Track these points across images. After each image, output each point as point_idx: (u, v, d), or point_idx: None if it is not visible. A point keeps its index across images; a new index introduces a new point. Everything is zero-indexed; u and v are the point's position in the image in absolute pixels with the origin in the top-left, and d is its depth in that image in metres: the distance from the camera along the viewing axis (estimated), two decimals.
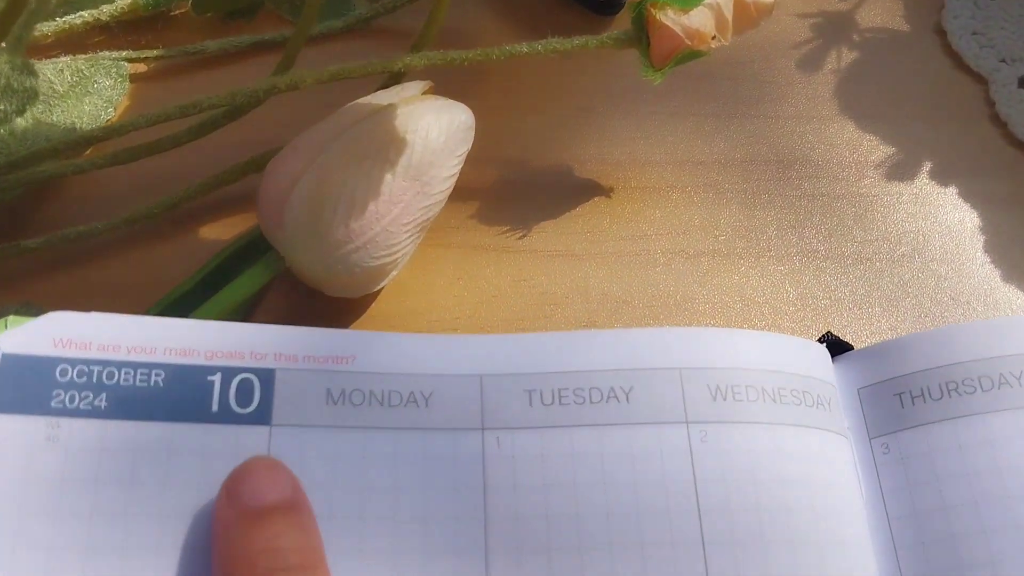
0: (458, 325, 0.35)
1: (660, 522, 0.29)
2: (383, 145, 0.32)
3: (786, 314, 0.37)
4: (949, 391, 0.32)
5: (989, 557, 0.29)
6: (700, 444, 0.30)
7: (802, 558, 0.29)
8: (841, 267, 0.38)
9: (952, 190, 0.41)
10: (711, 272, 0.38)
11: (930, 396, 0.32)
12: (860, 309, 0.37)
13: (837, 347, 0.34)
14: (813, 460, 0.30)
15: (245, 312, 0.34)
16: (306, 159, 0.32)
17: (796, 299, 0.37)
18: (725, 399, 0.30)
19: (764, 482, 0.29)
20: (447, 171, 0.34)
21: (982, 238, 0.40)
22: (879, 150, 0.42)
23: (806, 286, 0.38)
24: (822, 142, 0.42)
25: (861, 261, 0.39)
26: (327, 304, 0.34)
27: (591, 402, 0.30)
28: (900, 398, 0.32)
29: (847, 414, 0.32)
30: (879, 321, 0.37)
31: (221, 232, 0.36)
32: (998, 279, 0.38)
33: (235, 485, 0.26)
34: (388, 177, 0.32)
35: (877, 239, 0.39)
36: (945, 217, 0.41)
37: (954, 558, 0.30)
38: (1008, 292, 0.38)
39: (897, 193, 0.41)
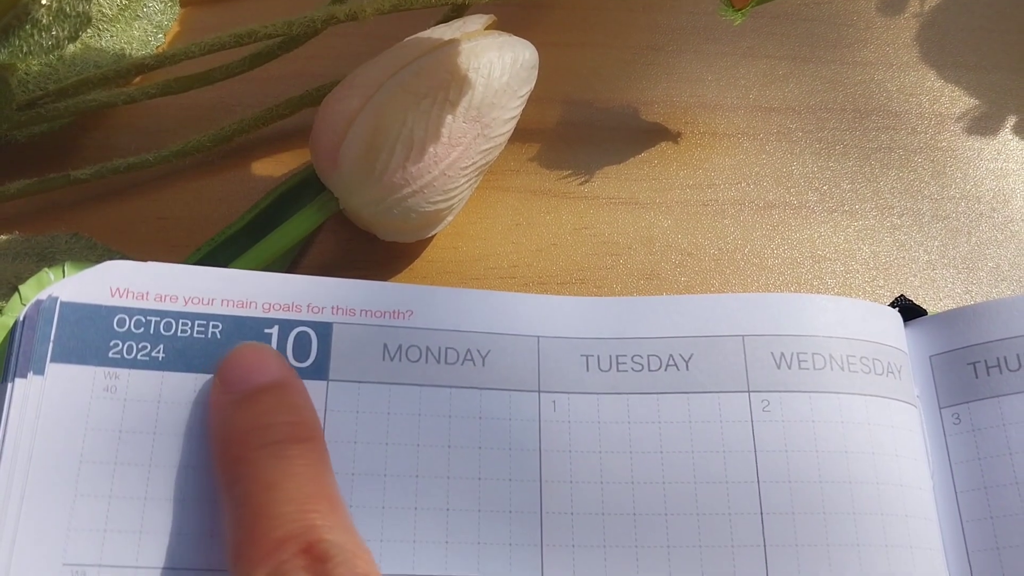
0: (515, 273, 0.35)
1: (717, 492, 0.29)
2: (443, 83, 0.32)
3: (858, 274, 0.36)
4: None
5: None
6: (762, 413, 0.29)
7: (864, 529, 0.28)
8: (917, 225, 0.38)
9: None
10: (781, 225, 0.37)
11: (1007, 366, 0.31)
12: (935, 271, 0.37)
13: (910, 312, 0.33)
14: (880, 430, 0.30)
15: (296, 253, 0.34)
16: (362, 96, 0.32)
17: (869, 258, 0.36)
18: (790, 367, 0.30)
19: (827, 452, 0.29)
20: (509, 112, 0.33)
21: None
22: (961, 101, 0.41)
23: (880, 244, 0.37)
24: (901, 91, 0.41)
25: (938, 219, 0.38)
26: (380, 248, 0.34)
27: (649, 369, 0.30)
28: (975, 367, 0.31)
29: (918, 382, 0.32)
30: (954, 284, 0.36)
31: (274, 168, 0.36)
32: None
33: (226, 371, 0.27)
34: (448, 118, 0.32)
35: (955, 196, 0.38)
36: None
37: (995, 538, 0.29)
38: None
39: (978, 148, 0.39)
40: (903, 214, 0.38)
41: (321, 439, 0.26)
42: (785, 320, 0.31)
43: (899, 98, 0.41)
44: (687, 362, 0.30)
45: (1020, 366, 0.31)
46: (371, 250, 0.34)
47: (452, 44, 0.33)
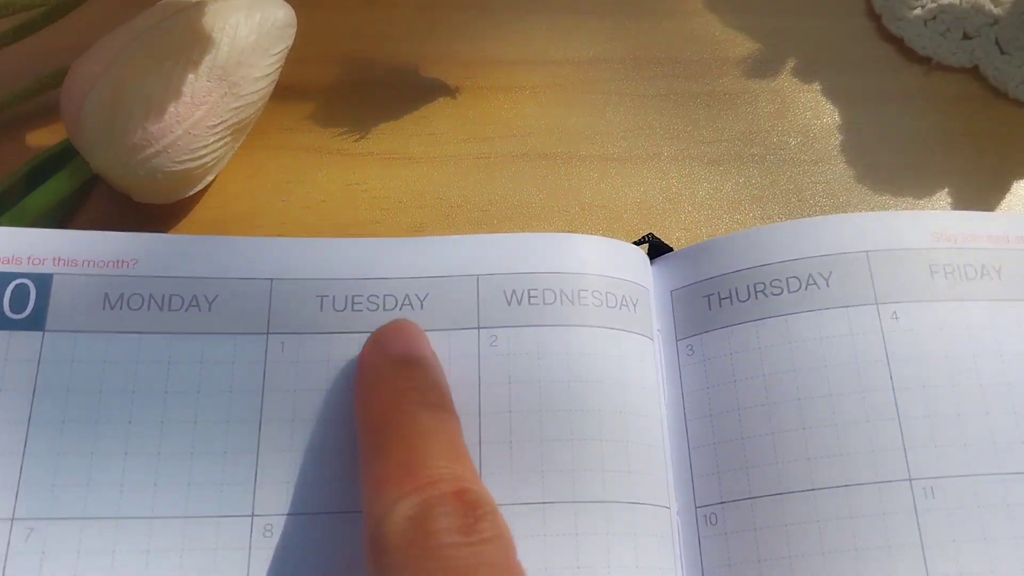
0: (284, 230, 0.36)
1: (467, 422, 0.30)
2: (186, 44, 0.33)
3: (622, 218, 0.38)
4: (757, 292, 0.33)
5: (775, 457, 0.30)
6: (489, 348, 0.31)
7: (581, 455, 0.30)
8: (687, 169, 0.39)
9: (815, 87, 0.41)
10: (551, 176, 0.38)
11: (737, 298, 0.33)
12: (705, 211, 0.38)
13: (658, 249, 0.34)
14: (608, 360, 0.31)
15: (60, 220, 0.35)
16: (105, 60, 0.33)
17: (636, 202, 0.38)
18: (520, 303, 0.31)
19: (550, 383, 0.30)
20: (260, 71, 0.34)
21: (840, 137, 0.40)
22: (743, 46, 0.42)
23: (648, 189, 0.38)
24: (684, 39, 0.42)
25: (711, 163, 0.39)
26: (147, 211, 0.35)
27: (384, 309, 0.31)
28: (708, 300, 0.33)
29: (660, 316, 0.33)
30: (724, 223, 0.38)
31: (43, 139, 0.37)
32: (851, 179, 0.39)
33: (382, 337, 0.30)
34: (190, 77, 0.33)
35: (729, 139, 0.40)
36: (803, 116, 0.41)
37: (742, 458, 0.30)
38: (860, 192, 0.39)
39: (755, 91, 0.41)
40: (674, 159, 0.39)
41: (456, 413, 0.29)
42: (519, 259, 0.32)
43: (680, 46, 0.42)
44: (422, 301, 0.31)
45: (749, 297, 0.33)
46: (138, 213, 0.35)
47: (199, 6, 0.34)
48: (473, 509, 0.25)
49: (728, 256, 0.33)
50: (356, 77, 0.40)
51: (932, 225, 0.34)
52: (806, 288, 0.33)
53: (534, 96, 0.40)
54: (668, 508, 0.30)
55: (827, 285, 0.32)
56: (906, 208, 0.39)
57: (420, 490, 0.25)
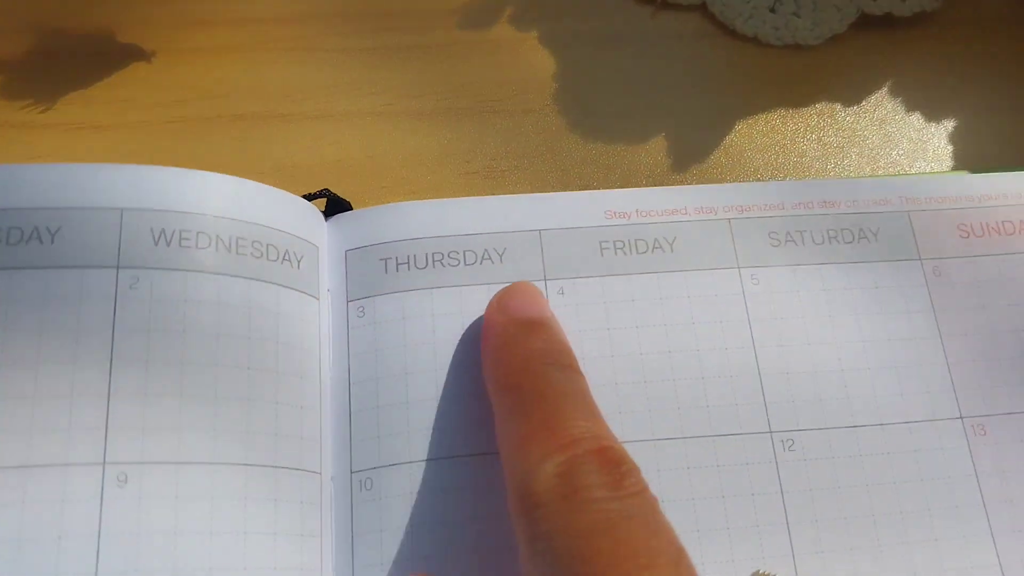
0: None
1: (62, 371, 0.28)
2: None
3: (318, 176, 0.37)
4: (434, 262, 0.32)
5: (438, 422, 0.30)
6: (128, 291, 0.29)
7: (257, 423, 0.29)
8: (391, 125, 0.39)
9: (532, 34, 0.40)
10: (248, 137, 0.38)
11: (415, 264, 0.32)
12: (409, 167, 0.38)
13: (337, 206, 0.33)
14: (265, 316, 0.31)
15: None
16: None
17: (335, 161, 0.38)
18: (169, 244, 0.30)
19: (196, 332, 0.29)
20: None
21: (555, 85, 0.39)
22: None
23: (349, 146, 0.38)
24: None
25: (417, 117, 0.39)
26: None
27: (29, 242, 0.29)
28: (385, 263, 0.32)
29: (333, 275, 0.32)
30: (427, 180, 0.38)
31: None
32: (564, 127, 0.38)
33: (506, 299, 0.31)
34: None
35: (439, 92, 0.39)
36: (519, 65, 0.40)
37: (404, 423, 0.31)
38: (571, 140, 0.39)
39: (470, 42, 0.40)
40: (380, 115, 0.38)
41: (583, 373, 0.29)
42: (173, 196, 0.31)
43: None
44: (53, 235, 0.30)
45: (427, 265, 0.32)
46: None
47: None
48: (617, 466, 0.25)
49: (410, 222, 0.33)
50: (47, 47, 0.38)
51: (605, 204, 0.34)
52: (481, 262, 0.33)
53: (238, 57, 0.39)
54: (318, 473, 0.29)
55: (500, 260, 0.33)
56: (619, 153, 0.39)
57: (564, 448, 0.25)
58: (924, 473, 0.32)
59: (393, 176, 0.37)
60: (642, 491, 0.25)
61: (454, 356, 0.31)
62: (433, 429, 0.30)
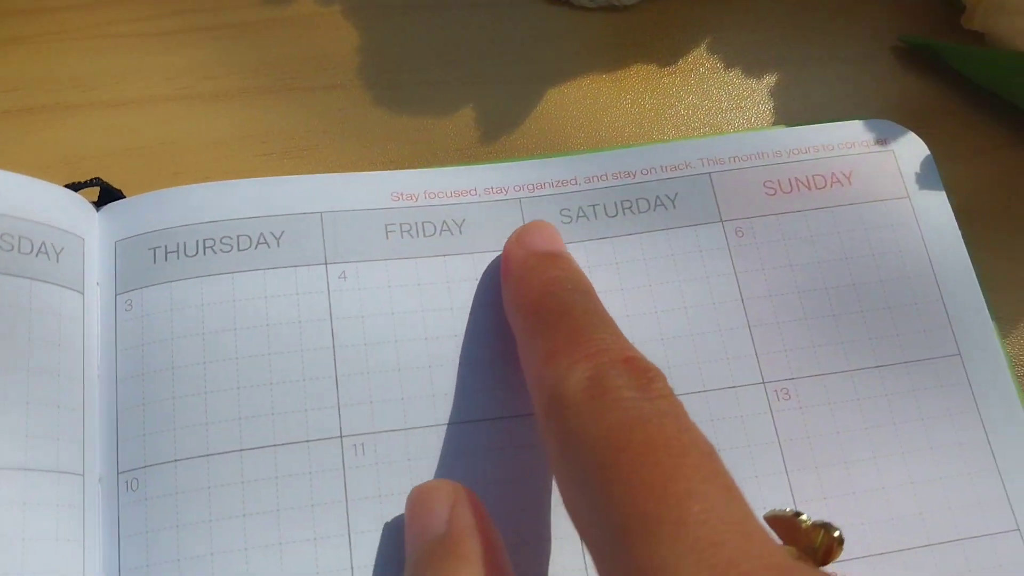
0: None
1: None
2: None
3: (109, 167, 0.36)
4: (205, 248, 0.31)
5: (205, 418, 0.29)
6: None
7: (36, 419, 0.29)
8: (189, 108, 0.38)
9: (335, 9, 0.39)
10: (37, 131, 0.37)
11: (184, 252, 0.31)
12: (207, 151, 0.37)
13: (109, 195, 0.32)
14: (20, 313, 0.30)
15: None
16: None
17: (127, 150, 0.37)
18: None
19: None
20: None
21: (358, 59, 0.38)
22: None
23: (144, 132, 0.37)
24: None
25: (214, 99, 0.38)
26: None
27: None
28: (155, 252, 0.31)
29: (102, 267, 0.31)
30: (223, 164, 0.37)
31: None
32: (368, 103, 0.37)
33: (523, 235, 0.32)
34: None
35: (238, 72, 0.38)
36: (322, 40, 0.39)
37: (170, 420, 0.29)
38: (376, 115, 0.38)
39: (272, 20, 0.39)
40: (175, 99, 0.37)
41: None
42: None
43: None
44: None
45: (197, 252, 0.31)
46: None
47: None
48: (644, 372, 0.26)
49: (180, 208, 0.32)
50: None
51: (392, 185, 0.34)
52: (256, 247, 0.32)
53: (29, 48, 0.37)
54: (80, 475, 0.28)
55: (278, 245, 0.32)
56: (426, 127, 0.38)
57: (592, 357, 0.26)
58: (724, 442, 0.31)
59: (188, 162, 0.36)
60: (670, 394, 0.25)
61: (222, 348, 0.30)
62: (201, 424, 0.29)
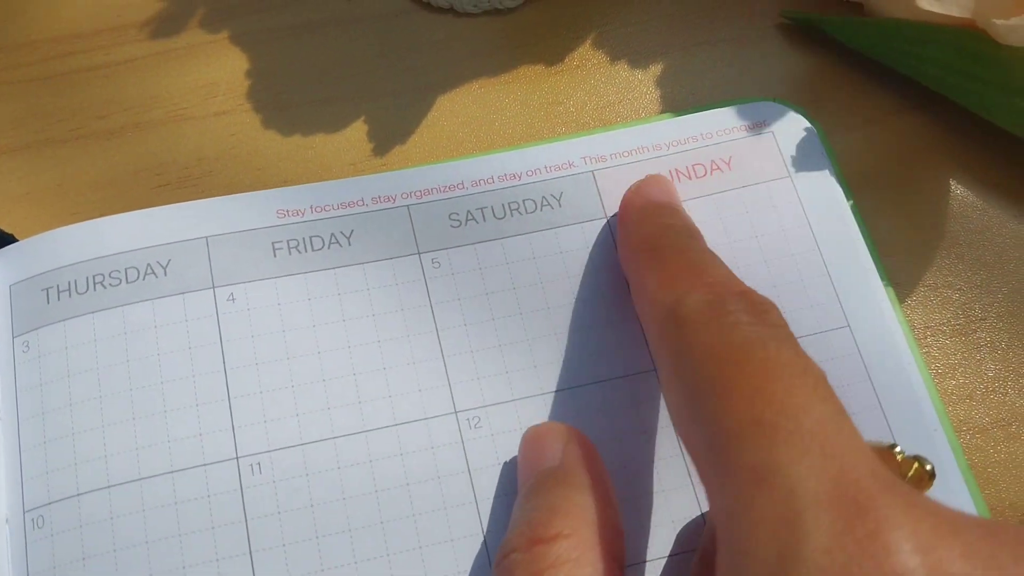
0: None
1: None
2: None
3: (9, 214, 0.38)
4: (95, 284, 0.33)
5: (104, 450, 0.31)
6: None
7: None
8: (80, 149, 0.40)
9: (223, 35, 0.41)
10: None
11: (76, 290, 0.33)
12: (92, 192, 0.38)
13: (2, 240, 0.34)
14: None
15: None
16: None
17: (25, 192, 0.38)
18: None
19: None
20: None
21: (248, 82, 0.40)
22: (149, 9, 0.42)
23: (39, 176, 0.39)
24: (69, 18, 0.42)
25: (107, 136, 0.40)
26: None
27: None
28: (47, 292, 0.33)
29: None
30: (115, 200, 0.38)
31: None
32: (258, 125, 0.39)
33: (642, 186, 0.35)
34: None
35: (128, 109, 0.40)
36: (208, 69, 0.42)
37: (71, 455, 0.31)
38: (268, 137, 0.40)
39: (158, 52, 0.41)
40: (68, 140, 0.40)
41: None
42: None
43: (77, 21, 0.41)
44: None
45: (88, 289, 0.33)
46: None
47: None
48: (761, 303, 0.27)
49: (66, 248, 0.34)
50: None
51: (276, 202, 0.35)
52: (144, 278, 0.34)
53: None
54: None
55: (165, 273, 0.34)
56: (318, 144, 0.40)
57: (709, 286, 0.28)
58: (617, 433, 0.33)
59: (83, 200, 0.37)
60: (785, 325, 0.27)
61: (116, 381, 0.32)
62: (100, 457, 0.31)
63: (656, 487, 0.32)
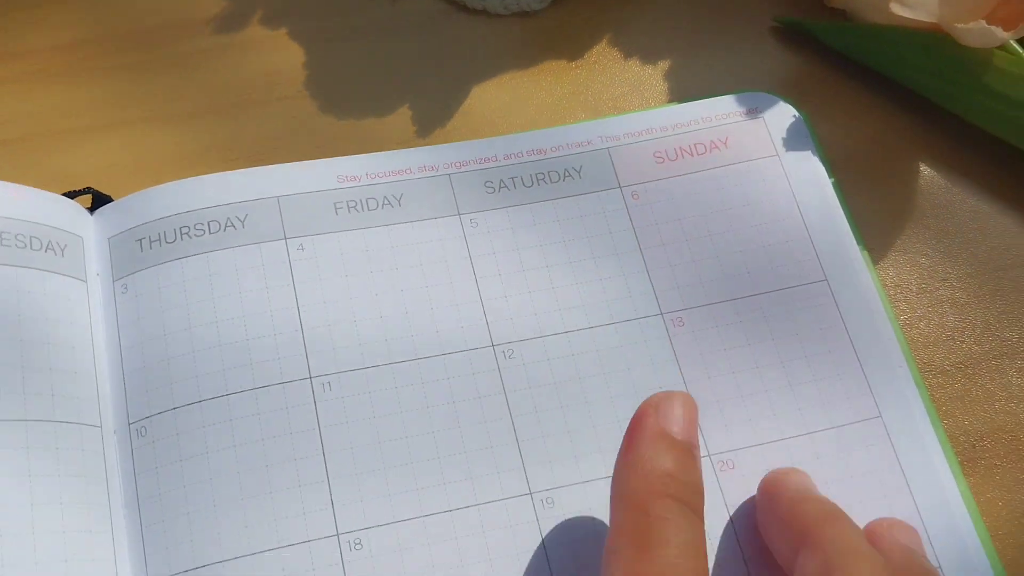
0: None
1: None
2: None
3: (94, 182, 0.43)
4: (182, 234, 0.40)
5: (194, 371, 0.37)
6: None
7: (32, 386, 0.36)
8: (158, 129, 0.46)
9: (281, 32, 0.47)
10: (30, 155, 0.44)
11: (165, 240, 0.39)
12: (169, 168, 0.44)
13: (101, 200, 0.41)
14: (35, 297, 0.38)
15: None
16: None
17: (109, 166, 0.44)
18: None
19: None
20: None
21: (305, 74, 0.46)
22: (212, 6, 0.48)
23: (120, 152, 0.45)
24: (148, 10, 0.48)
25: (181, 119, 0.46)
26: None
27: None
28: (141, 243, 0.40)
29: (100, 260, 0.39)
30: (189, 174, 0.43)
31: None
32: (315, 111, 0.46)
33: (668, 408, 0.34)
34: None
35: (198, 95, 0.46)
36: (270, 61, 0.48)
37: (166, 376, 0.37)
38: (325, 121, 0.46)
39: (224, 46, 0.47)
40: (144, 121, 0.45)
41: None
42: None
43: (149, 16, 0.48)
44: None
45: (176, 239, 0.40)
46: None
47: None
48: None
49: (156, 205, 0.40)
50: None
51: (337, 169, 0.42)
52: (224, 230, 0.40)
53: (13, 87, 0.46)
54: (98, 427, 0.36)
55: (243, 226, 0.40)
56: (369, 127, 0.46)
57: None
58: (631, 363, 0.39)
59: (161, 176, 0.44)
60: None
61: (203, 315, 0.38)
62: (191, 378, 0.38)
63: None
